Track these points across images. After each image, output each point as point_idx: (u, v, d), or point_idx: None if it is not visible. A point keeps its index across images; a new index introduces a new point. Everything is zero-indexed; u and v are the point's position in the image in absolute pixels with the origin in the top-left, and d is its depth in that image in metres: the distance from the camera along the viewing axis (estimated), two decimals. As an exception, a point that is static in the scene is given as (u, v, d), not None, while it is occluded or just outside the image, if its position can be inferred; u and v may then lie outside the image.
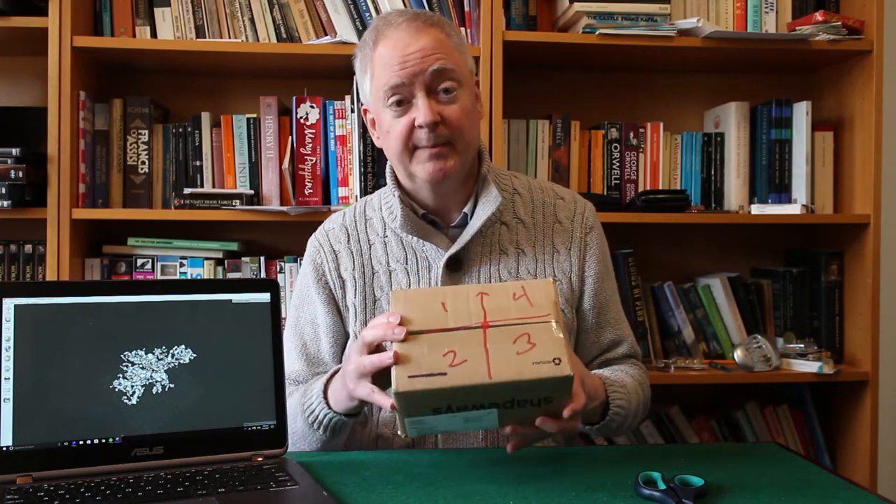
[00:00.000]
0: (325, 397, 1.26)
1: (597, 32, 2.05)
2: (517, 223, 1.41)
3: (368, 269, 1.40)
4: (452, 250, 1.36)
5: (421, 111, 1.28)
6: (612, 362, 1.45)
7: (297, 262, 2.11)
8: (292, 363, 1.43)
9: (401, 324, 1.05)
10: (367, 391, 1.13)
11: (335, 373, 1.28)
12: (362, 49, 1.37)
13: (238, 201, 2.03)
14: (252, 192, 2.08)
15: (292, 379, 1.42)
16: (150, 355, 1.12)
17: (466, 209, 1.38)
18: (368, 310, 1.39)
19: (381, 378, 1.32)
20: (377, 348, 1.12)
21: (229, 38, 2.10)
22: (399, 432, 1.09)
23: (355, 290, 1.40)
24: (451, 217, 1.40)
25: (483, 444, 1.34)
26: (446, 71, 1.29)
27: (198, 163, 2.11)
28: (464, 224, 1.38)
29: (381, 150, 2.05)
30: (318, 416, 1.27)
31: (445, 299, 1.08)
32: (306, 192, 2.09)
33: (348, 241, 1.43)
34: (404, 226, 1.36)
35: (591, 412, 1.25)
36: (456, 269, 1.37)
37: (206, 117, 2.12)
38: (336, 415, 1.25)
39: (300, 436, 1.31)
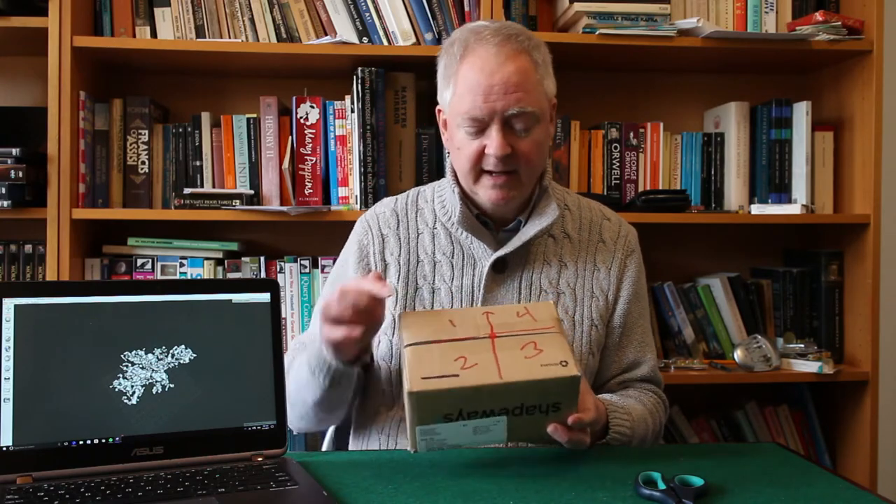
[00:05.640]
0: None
1: (597, 32, 2.05)
2: (564, 237, 1.45)
3: (414, 257, 1.43)
4: (501, 253, 1.39)
5: (493, 144, 1.31)
6: (629, 383, 1.46)
7: (296, 262, 2.11)
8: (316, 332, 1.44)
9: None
10: (340, 333, 1.16)
11: None
12: (448, 54, 1.37)
13: (238, 201, 2.03)
14: (252, 192, 2.08)
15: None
16: (150, 355, 1.12)
17: (522, 217, 1.42)
18: (409, 297, 1.41)
19: (391, 386, 1.32)
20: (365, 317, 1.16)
21: (229, 38, 2.10)
22: (409, 448, 1.11)
23: (398, 275, 1.43)
24: (503, 219, 1.44)
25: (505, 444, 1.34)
26: (524, 114, 1.31)
27: (198, 163, 2.11)
28: (515, 229, 1.42)
29: (384, 149, 2.06)
30: (320, 360, 1.26)
31: (452, 317, 1.14)
32: (306, 192, 2.09)
33: (397, 226, 1.46)
34: (461, 221, 1.39)
35: (592, 434, 1.25)
36: (500, 270, 1.41)
37: (206, 117, 2.12)
38: (334, 359, 1.24)
39: (303, 383, 1.30)
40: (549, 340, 1.10)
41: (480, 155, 1.34)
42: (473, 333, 1.11)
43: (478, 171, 1.36)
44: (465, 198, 1.42)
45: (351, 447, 1.49)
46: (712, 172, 2.26)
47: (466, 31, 1.36)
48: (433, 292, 1.40)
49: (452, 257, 1.42)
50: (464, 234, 1.41)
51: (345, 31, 2.09)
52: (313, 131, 2.09)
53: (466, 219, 1.40)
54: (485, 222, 1.43)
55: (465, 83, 1.32)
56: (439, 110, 1.44)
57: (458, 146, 1.37)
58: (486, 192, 1.36)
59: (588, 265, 1.44)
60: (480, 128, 1.32)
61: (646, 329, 1.49)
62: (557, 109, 1.47)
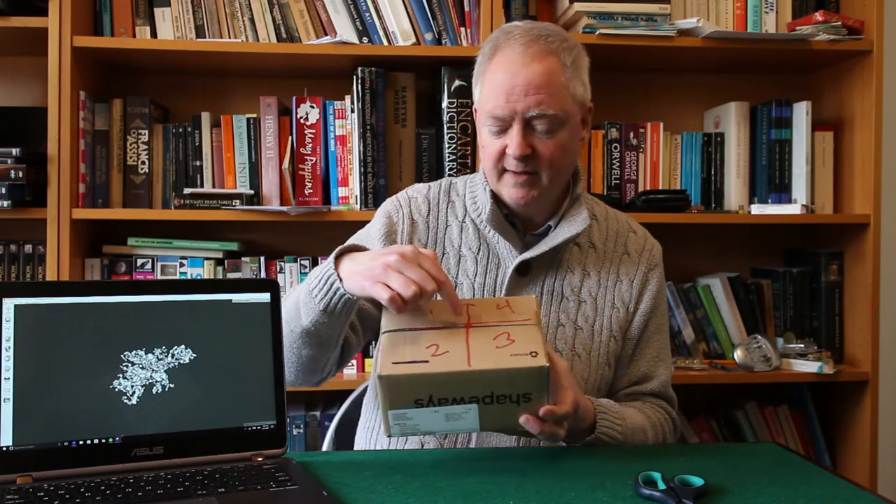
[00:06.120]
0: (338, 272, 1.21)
1: (597, 32, 2.05)
2: (589, 247, 1.46)
3: (440, 247, 1.44)
4: (526, 255, 1.39)
5: (513, 143, 1.32)
6: (638, 396, 1.45)
7: (296, 262, 2.11)
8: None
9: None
10: (387, 294, 1.11)
11: (347, 251, 1.24)
12: (482, 53, 1.38)
13: (238, 201, 2.03)
14: (252, 192, 2.08)
15: None
16: (150, 355, 1.12)
17: (552, 222, 1.42)
18: None
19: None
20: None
21: (229, 38, 2.10)
22: (384, 431, 1.12)
23: None
24: (532, 223, 1.43)
25: (516, 443, 1.34)
26: (545, 116, 1.31)
27: (198, 163, 2.11)
28: (544, 234, 1.42)
29: (384, 149, 2.07)
30: (323, 280, 1.21)
31: (434, 307, 1.16)
32: (306, 192, 2.09)
33: (428, 214, 1.46)
34: (489, 219, 1.39)
35: (577, 432, 1.25)
36: (523, 273, 1.41)
37: (206, 117, 2.12)
38: (342, 287, 1.19)
39: (293, 310, 1.26)
40: (523, 332, 1.11)
41: (502, 154, 1.34)
42: (450, 323, 1.13)
43: (500, 170, 1.36)
44: (496, 197, 1.42)
45: (357, 440, 1.49)
46: (712, 172, 2.26)
47: (500, 30, 1.37)
48: (455, 286, 1.39)
49: (478, 254, 1.42)
50: (491, 232, 1.41)
51: (345, 31, 2.09)
52: (313, 131, 2.09)
53: (495, 217, 1.40)
54: (513, 223, 1.43)
55: (491, 82, 1.33)
56: (475, 109, 1.45)
57: (483, 144, 1.38)
58: (507, 191, 1.37)
59: (611, 276, 1.44)
60: (503, 127, 1.33)
61: (662, 345, 1.48)
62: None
